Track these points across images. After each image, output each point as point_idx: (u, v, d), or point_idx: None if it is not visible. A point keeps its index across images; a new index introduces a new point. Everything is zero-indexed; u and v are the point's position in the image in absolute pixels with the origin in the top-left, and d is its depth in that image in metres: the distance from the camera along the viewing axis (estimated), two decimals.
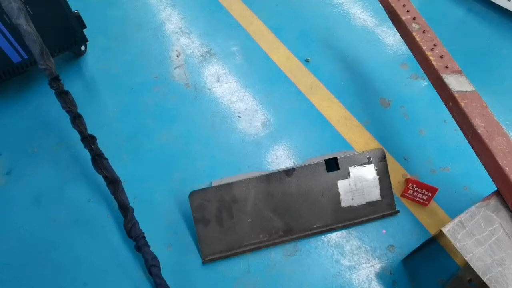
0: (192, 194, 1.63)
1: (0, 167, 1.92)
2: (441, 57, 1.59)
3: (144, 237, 1.62)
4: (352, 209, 1.71)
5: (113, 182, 1.67)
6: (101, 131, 2.04)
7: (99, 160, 1.67)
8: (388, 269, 1.61)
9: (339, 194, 1.71)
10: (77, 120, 1.65)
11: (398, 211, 1.74)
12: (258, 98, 2.20)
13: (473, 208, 1.30)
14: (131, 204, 1.72)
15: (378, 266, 1.62)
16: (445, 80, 1.51)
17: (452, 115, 1.52)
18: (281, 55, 2.41)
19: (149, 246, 1.60)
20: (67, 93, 1.63)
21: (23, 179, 1.88)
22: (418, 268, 1.56)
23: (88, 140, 1.65)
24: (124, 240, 1.68)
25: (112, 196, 1.66)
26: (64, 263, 1.64)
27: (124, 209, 1.65)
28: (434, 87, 1.61)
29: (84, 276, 1.60)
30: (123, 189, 1.68)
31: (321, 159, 1.73)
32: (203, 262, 1.61)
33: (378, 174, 1.74)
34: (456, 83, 1.51)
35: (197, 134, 2.03)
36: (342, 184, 1.71)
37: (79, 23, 2.17)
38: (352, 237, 1.70)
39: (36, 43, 1.52)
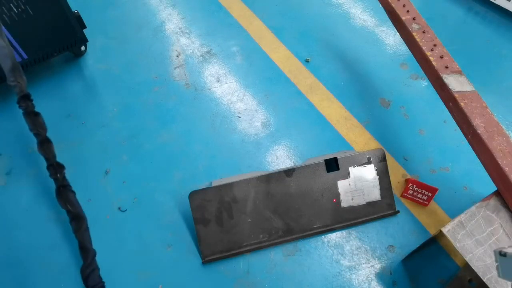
0: (192, 194, 1.63)
1: (0, 167, 1.92)
2: (441, 57, 1.59)
3: (103, 287, 1.44)
4: (352, 209, 1.71)
5: (77, 219, 1.49)
6: (101, 131, 2.04)
7: (64, 192, 1.49)
8: (388, 269, 1.61)
9: (339, 194, 1.71)
10: (45, 145, 1.49)
11: (398, 211, 1.74)
12: (258, 98, 2.20)
13: (473, 208, 1.30)
14: (131, 206, 1.72)
15: (378, 266, 1.62)
16: (445, 80, 1.51)
17: (452, 115, 1.52)
18: (281, 55, 2.41)
19: None
20: (37, 114, 1.48)
21: (23, 179, 1.88)
22: (418, 268, 1.56)
23: (55, 169, 1.48)
24: (123, 241, 1.68)
25: (74, 235, 1.49)
26: (64, 263, 1.64)
27: (85, 251, 1.46)
28: (434, 87, 1.62)
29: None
30: (87, 228, 1.50)
31: (321, 159, 1.73)
32: (203, 262, 1.61)
33: (378, 174, 1.74)
34: (456, 83, 1.51)
35: (197, 134, 2.03)
36: (342, 184, 1.71)
37: (79, 23, 2.17)
38: (352, 237, 1.70)
39: (8, 57, 1.42)
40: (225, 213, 1.64)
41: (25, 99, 1.47)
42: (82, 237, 1.47)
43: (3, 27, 1.81)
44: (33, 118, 1.47)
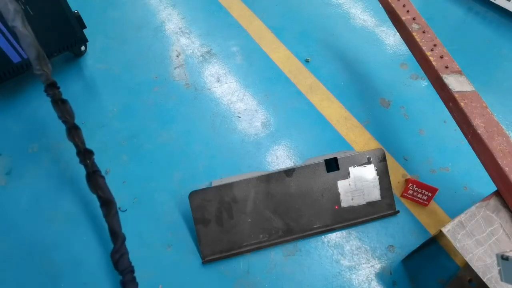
0: (192, 194, 1.63)
1: (0, 167, 1.92)
2: (441, 57, 1.59)
3: (133, 271, 1.48)
4: (352, 209, 1.71)
5: (107, 204, 1.52)
6: (101, 131, 2.05)
7: (94, 177, 1.52)
8: (388, 269, 1.61)
9: (339, 194, 1.71)
10: (73, 131, 1.51)
11: (398, 211, 1.74)
12: (258, 98, 2.20)
13: (473, 208, 1.30)
14: (131, 206, 1.72)
15: (378, 266, 1.62)
16: (445, 80, 1.51)
17: (452, 115, 1.52)
18: (281, 55, 2.41)
19: (137, 284, 1.47)
20: (64, 101, 1.49)
21: (23, 179, 1.88)
22: (418, 268, 1.56)
23: (84, 155, 1.51)
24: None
25: (104, 219, 1.52)
26: (64, 263, 1.64)
27: (115, 235, 1.50)
28: (434, 87, 1.61)
29: (84, 276, 1.60)
30: (117, 212, 1.54)
31: (321, 159, 1.73)
32: (203, 262, 1.61)
33: (378, 174, 1.74)
34: (456, 83, 1.51)
35: (197, 134, 2.03)
36: (342, 184, 1.71)
37: (79, 23, 2.17)
38: (352, 237, 1.70)
39: (33, 46, 1.41)
40: (225, 213, 1.64)
41: (52, 87, 1.46)
42: (112, 222, 1.50)
43: (2, 27, 1.82)
44: (61, 106, 1.48)
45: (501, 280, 0.90)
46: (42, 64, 1.44)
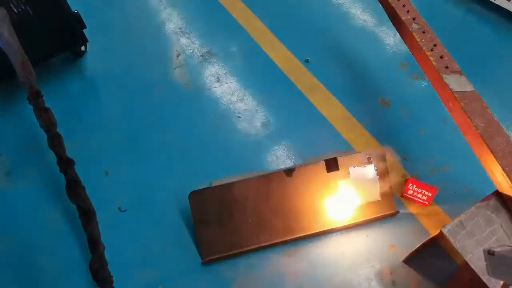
0: (192, 194, 1.63)
1: (0, 167, 1.92)
2: (441, 57, 1.59)
3: (112, 282, 1.44)
4: (352, 209, 1.71)
5: (87, 214, 1.50)
6: (101, 131, 2.04)
7: (74, 187, 1.50)
8: (388, 269, 1.61)
9: (339, 194, 1.71)
10: (55, 140, 1.50)
11: (398, 211, 1.74)
12: (258, 98, 2.20)
13: (473, 208, 1.30)
14: (131, 206, 1.72)
15: (378, 266, 1.62)
16: (445, 80, 1.51)
17: (452, 115, 1.52)
18: (281, 55, 2.41)
19: None
20: (47, 110, 1.49)
21: (23, 179, 1.88)
22: (418, 268, 1.56)
23: (65, 164, 1.49)
24: (123, 241, 1.68)
25: (83, 228, 1.51)
26: (64, 263, 1.63)
27: (94, 245, 1.47)
28: (434, 87, 1.62)
29: (83, 277, 1.60)
30: (97, 222, 1.51)
31: (321, 159, 1.72)
32: (203, 262, 1.61)
33: (378, 174, 1.73)
34: (456, 83, 1.51)
35: (197, 134, 2.03)
36: (342, 184, 1.71)
37: (79, 23, 2.17)
38: (352, 237, 1.70)
39: (18, 54, 1.41)
40: (225, 213, 1.64)
41: (35, 96, 1.47)
42: (92, 231, 1.48)
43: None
44: (43, 115, 1.48)
45: (488, 275, 0.91)
46: (26, 72, 1.45)
